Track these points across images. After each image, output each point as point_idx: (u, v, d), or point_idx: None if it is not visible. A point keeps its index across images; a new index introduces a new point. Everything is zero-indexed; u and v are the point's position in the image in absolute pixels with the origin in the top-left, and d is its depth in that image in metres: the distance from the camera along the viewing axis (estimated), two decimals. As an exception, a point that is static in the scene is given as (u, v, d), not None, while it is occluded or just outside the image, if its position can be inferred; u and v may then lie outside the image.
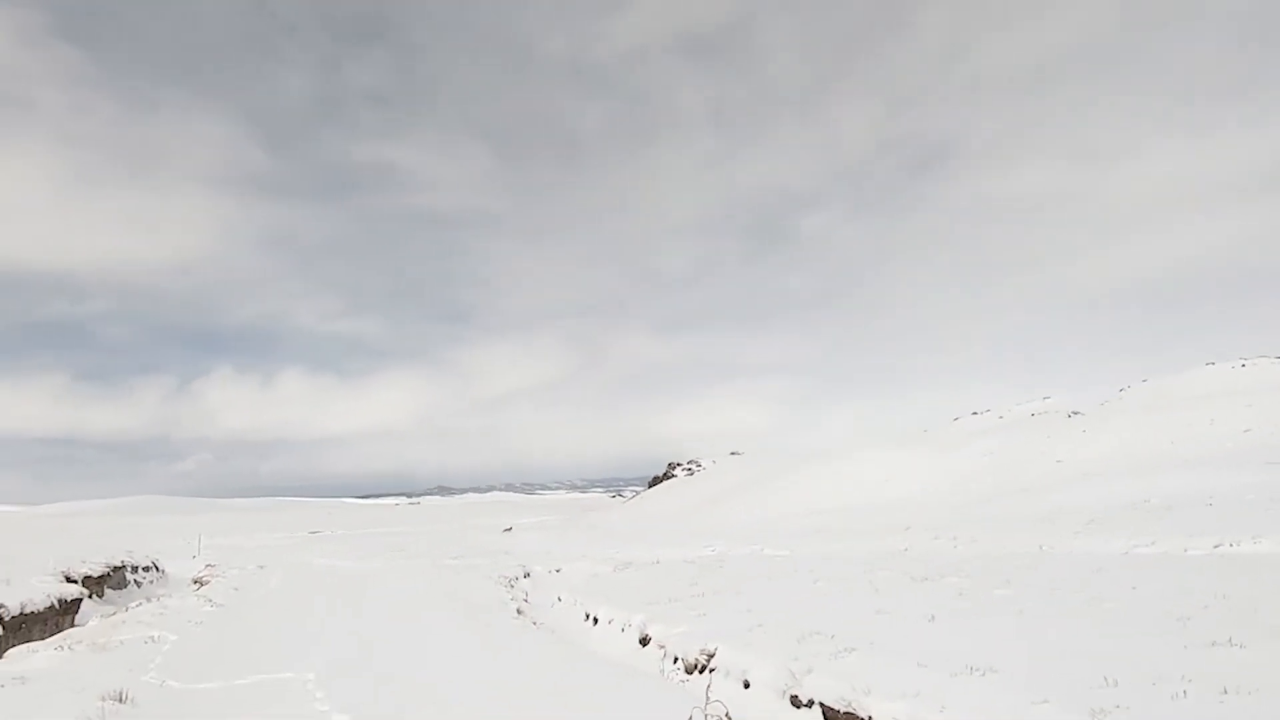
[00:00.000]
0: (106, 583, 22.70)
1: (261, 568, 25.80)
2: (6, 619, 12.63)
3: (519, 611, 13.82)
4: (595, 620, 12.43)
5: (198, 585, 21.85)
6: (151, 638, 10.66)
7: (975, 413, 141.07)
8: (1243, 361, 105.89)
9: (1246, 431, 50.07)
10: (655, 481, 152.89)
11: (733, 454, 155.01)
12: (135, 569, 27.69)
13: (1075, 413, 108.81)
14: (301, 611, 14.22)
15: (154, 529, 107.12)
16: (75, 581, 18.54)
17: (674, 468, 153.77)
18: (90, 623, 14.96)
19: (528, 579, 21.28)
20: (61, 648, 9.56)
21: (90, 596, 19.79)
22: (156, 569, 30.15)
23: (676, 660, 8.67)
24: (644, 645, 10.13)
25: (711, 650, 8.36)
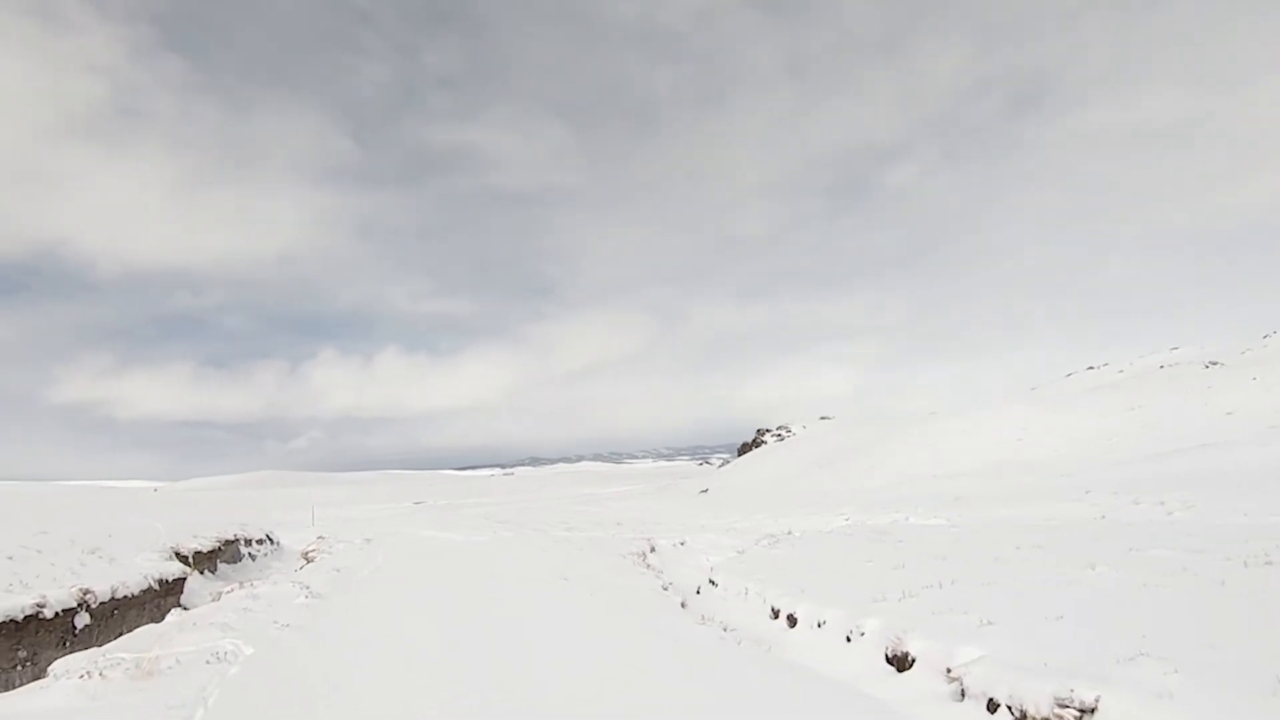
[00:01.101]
0: (220, 557, 21.96)
1: (368, 541, 24.41)
2: (94, 605, 11.19)
3: (683, 605, 11.26)
4: (791, 620, 8.79)
5: (305, 562, 20.58)
6: (217, 654, 8.05)
7: (1091, 367, 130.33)
8: None
9: None
10: (745, 448, 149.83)
11: (823, 419, 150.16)
12: (249, 541, 27.25)
13: (1213, 363, 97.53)
14: (418, 606, 11.14)
15: (272, 502, 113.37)
16: (185, 558, 17.53)
17: (763, 434, 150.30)
18: (195, 607, 13.57)
19: (653, 554, 18.94)
20: (91, 674, 7.03)
21: (202, 572, 18.85)
22: (270, 541, 29.84)
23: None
24: (901, 668, 6.61)
25: (1090, 703, 4.71)
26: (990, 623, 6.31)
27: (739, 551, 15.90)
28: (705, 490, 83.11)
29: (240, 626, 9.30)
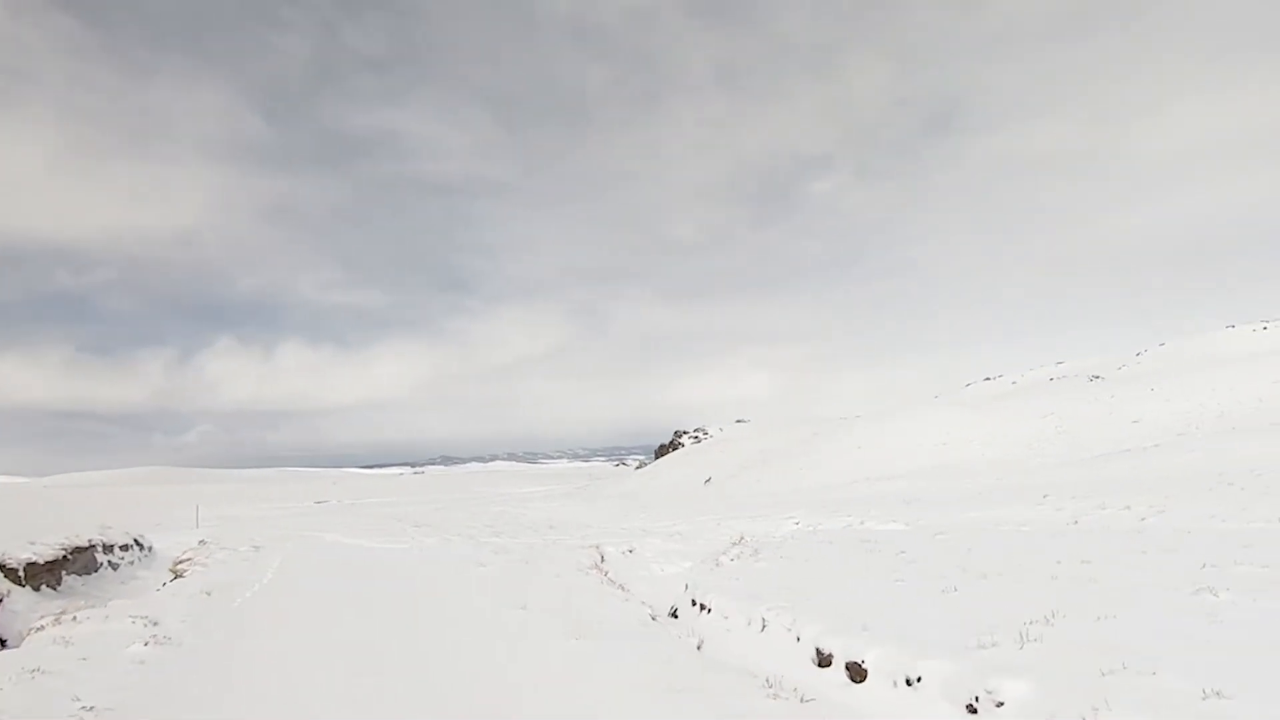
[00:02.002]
0: (67, 568, 17.96)
1: (258, 549, 20.48)
2: None
3: (698, 647, 8.22)
4: (856, 672, 6.12)
5: (172, 576, 16.79)
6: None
7: (988, 378, 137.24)
8: (1264, 324, 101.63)
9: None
10: (663, 450, 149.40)
11: (739, 422, 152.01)
12: (111, 548, 23.01)
13: (1095, 376, 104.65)
14: (318, 664, 7.67)
15: (155, 500, 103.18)
16: (10, 571, 13.80)
17: (681, 436, 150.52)
18: (16, 640, 10.18)
19: (603, 563, 16.55)
20: None
21: (37, 588, 15.04)
22: (139, 546, 25.53)
23: None
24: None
25: None
26: (1220, 694, 4.20)
27: (713, 561, 13.72)
28: (629, 491, 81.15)
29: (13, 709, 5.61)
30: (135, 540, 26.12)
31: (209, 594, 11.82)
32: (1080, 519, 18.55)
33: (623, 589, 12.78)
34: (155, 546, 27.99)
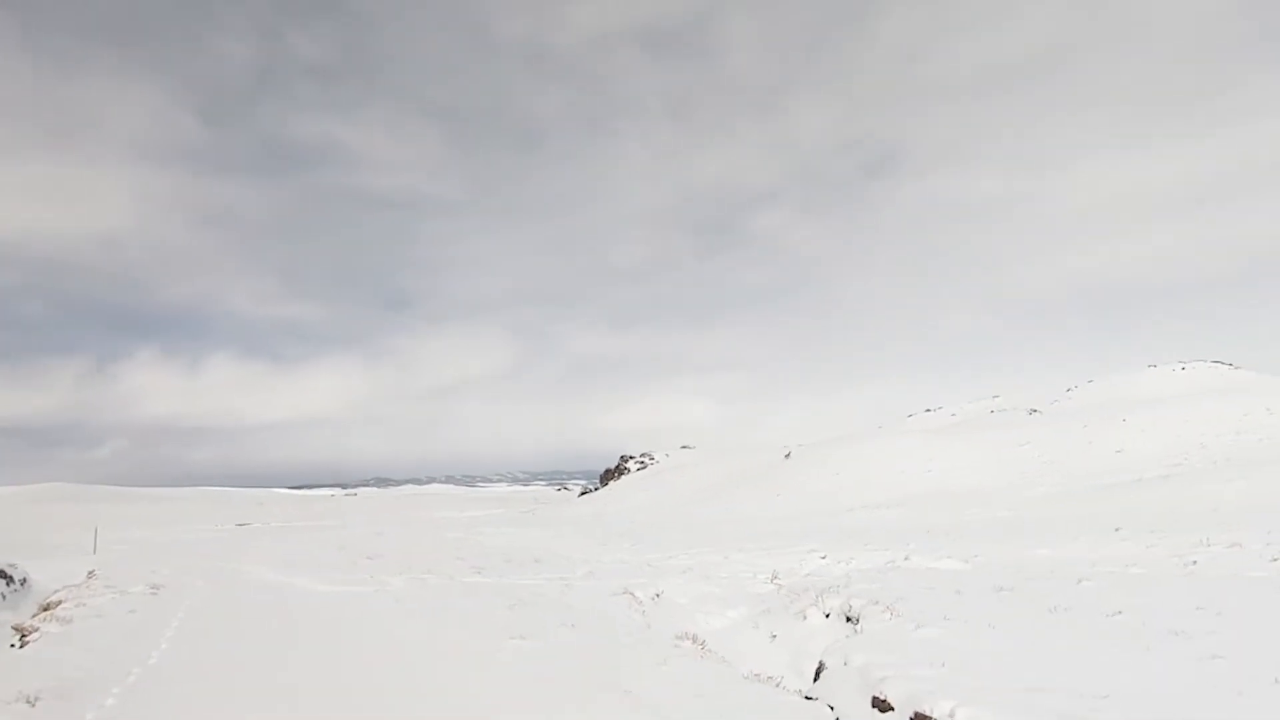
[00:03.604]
0: (-118, 615, 12.98)
1: (155, 590, 14.70)
2: None
3: None
4: None
5: (18, 638, 11.79)
6: None
7: (929, 409, 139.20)
8: (1182, 364, 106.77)
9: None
10: (609, 474, 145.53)
11: (684, 448, 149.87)
12: (-35, 583, 17.90)
13: (1034, 410, 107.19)
14: None
15: (51, 520, 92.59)
16: None
17: (627, 460, 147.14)
18: None
19: (695, 641, 12.45)
20: None
21: None
22: (6, 579, 20.21)
23: None
24: None
25: None
26: None
27: (786, 612, 10.09)
28: (586, 516, 76.58)
29: None
30: (7, 571, 20.76)
31: (31, 703, 6.81)
32: (1188, 557, 15.70)
33: (767, 681, 8.64)
34: (32, 578, 22.48)
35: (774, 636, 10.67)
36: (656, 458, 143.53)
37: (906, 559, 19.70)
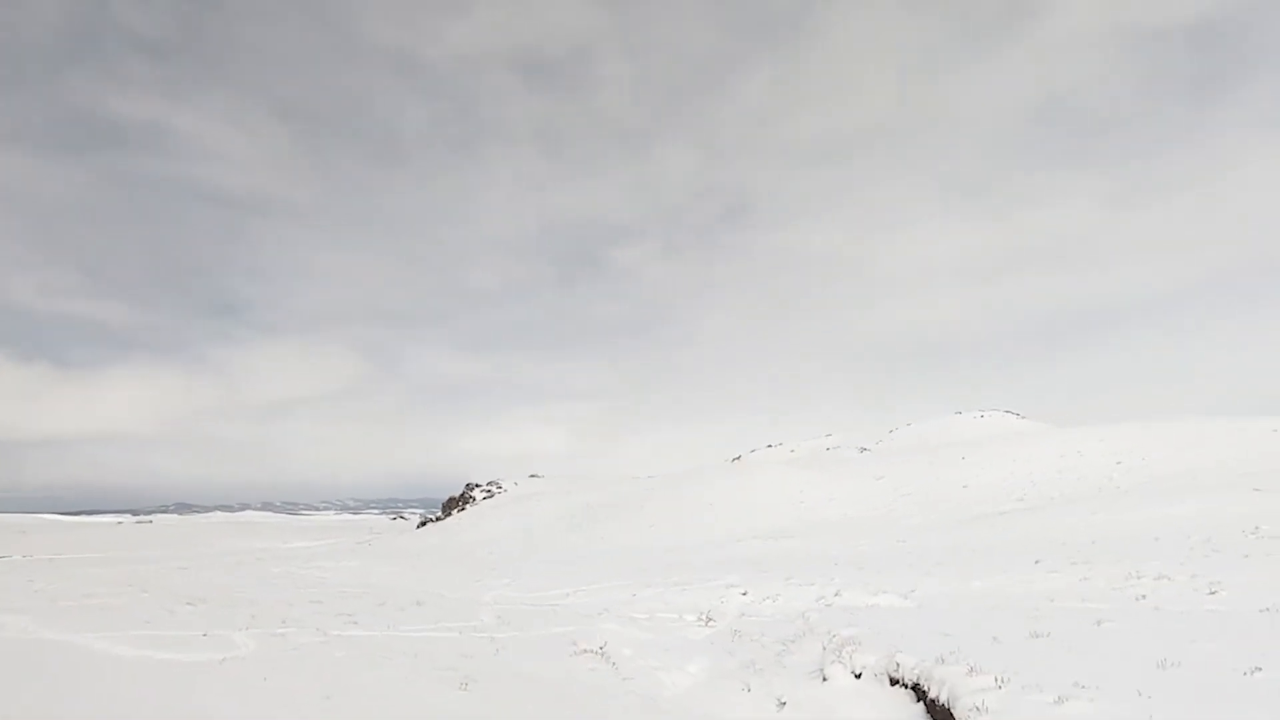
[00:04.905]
0: None
1: None
2: None
3: None
4: None
5: None
6: None
7: (770, 445, 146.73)
8: (981, 413, 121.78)
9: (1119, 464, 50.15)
10: (452, 503, 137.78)
11: (533, 476, 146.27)
12: None
13: (864, 449, 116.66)
14: None
15: None
16: None
17: (473, 488, 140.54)
18: None
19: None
20: None
21: None
22: None
23: None
24: None
25: None
26: None
27: (750, 667, 7.77)
28: (432, 548, 70.24)
29: None
30: None
31: None
32: (1130, 592, 15.34)
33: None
34: None
35: (782, 703, 8.31)
36: (505, 486, 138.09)
37: (838, 594, 18.18)
